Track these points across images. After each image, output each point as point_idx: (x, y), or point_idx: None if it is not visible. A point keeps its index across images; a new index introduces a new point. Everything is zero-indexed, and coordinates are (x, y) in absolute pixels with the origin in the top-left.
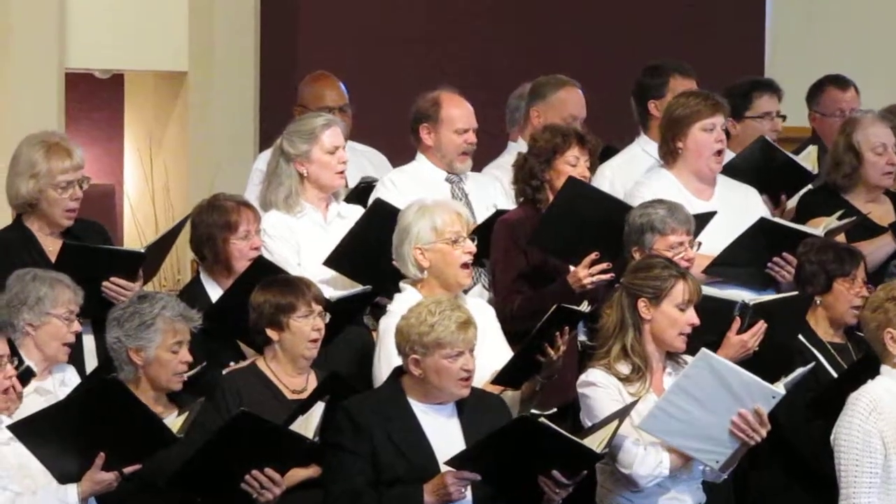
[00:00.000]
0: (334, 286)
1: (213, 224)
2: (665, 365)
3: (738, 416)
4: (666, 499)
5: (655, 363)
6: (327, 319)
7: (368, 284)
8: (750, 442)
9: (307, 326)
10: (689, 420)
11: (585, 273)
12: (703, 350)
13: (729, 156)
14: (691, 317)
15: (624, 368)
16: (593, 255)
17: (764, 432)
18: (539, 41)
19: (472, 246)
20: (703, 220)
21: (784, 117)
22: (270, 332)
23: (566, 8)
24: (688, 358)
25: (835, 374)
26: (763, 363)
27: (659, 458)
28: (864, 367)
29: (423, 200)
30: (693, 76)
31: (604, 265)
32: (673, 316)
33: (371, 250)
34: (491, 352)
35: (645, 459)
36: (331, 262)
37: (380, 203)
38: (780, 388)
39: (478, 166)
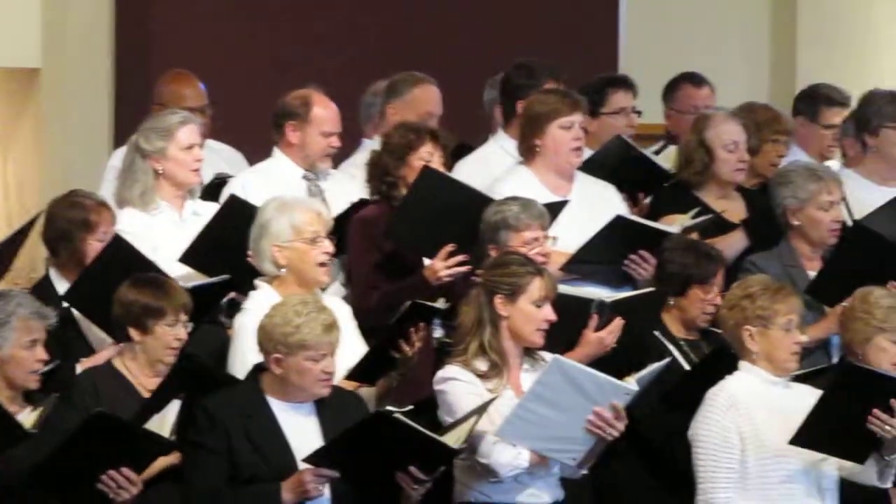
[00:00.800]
0: (189, 283)
1: (70, 221)
2: (522, 361)
3: (594, 413)
4: (524, 495)
5: (513, 359)
6: (190, 329)
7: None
8: (608, 438)
9: (171, 335)
10: (545, 424)
11: (442, 266)
12: (555, 356)
13: (587, 153)
14: (548, 313)
15: (481, 365)
16: (449, 248)
17: (621, 426)
18: (395, 39)
19: (329, 246)
20: (555, 209)
21: (639, 113)
22: (133, 332)
23: (422, 6)
24: (546, 355)
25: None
26: (618, 357)
27: (518, 449)
28: (715, 360)
29: (282, 197)
30: (563, 80)
31: (460, 257)
32: (530, 312)
33: (226, 246)
34: (347, 349)
35: (504, 449)
36: (185, 258)
37: (234, 199)
38: (632, 384)
39: (333, 163)
